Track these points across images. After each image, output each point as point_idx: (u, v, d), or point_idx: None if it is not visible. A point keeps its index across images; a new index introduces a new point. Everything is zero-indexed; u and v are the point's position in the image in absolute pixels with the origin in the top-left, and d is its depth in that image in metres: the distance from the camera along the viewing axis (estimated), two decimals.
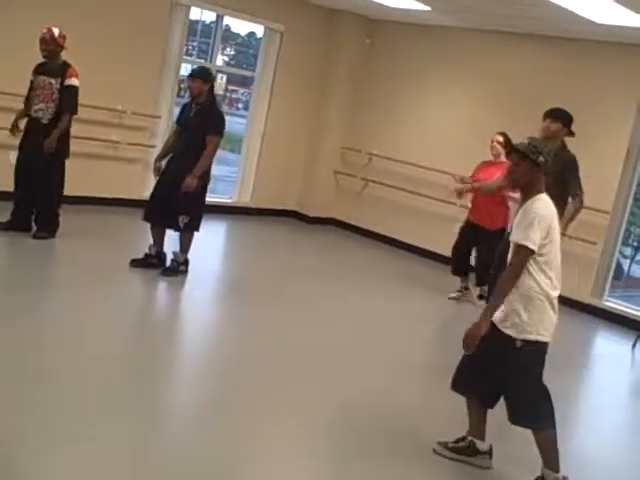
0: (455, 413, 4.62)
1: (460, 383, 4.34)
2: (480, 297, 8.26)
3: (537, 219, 3.93)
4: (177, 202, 6.94)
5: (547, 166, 4.07)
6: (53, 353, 4.98)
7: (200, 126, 6.90)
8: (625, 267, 11.25)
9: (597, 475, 4.76)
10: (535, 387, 4.12)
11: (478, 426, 4.37)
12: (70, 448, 3.74)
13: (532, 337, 3.98)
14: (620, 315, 8.80)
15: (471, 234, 7.99)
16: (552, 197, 5.35)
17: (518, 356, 4.02)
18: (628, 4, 6.89)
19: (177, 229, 7.10)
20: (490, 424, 4.38)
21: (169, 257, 7.25)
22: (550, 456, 4.14)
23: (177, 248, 7.22)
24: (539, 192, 4.05)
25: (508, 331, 4.01)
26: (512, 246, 4.03)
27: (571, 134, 6.16)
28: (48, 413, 4.05)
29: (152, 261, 7.20)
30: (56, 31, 7.26)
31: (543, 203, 4.02)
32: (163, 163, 7.21)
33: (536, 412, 4.13)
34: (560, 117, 6.09)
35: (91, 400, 4.32)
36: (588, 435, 5.58)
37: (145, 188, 9.15)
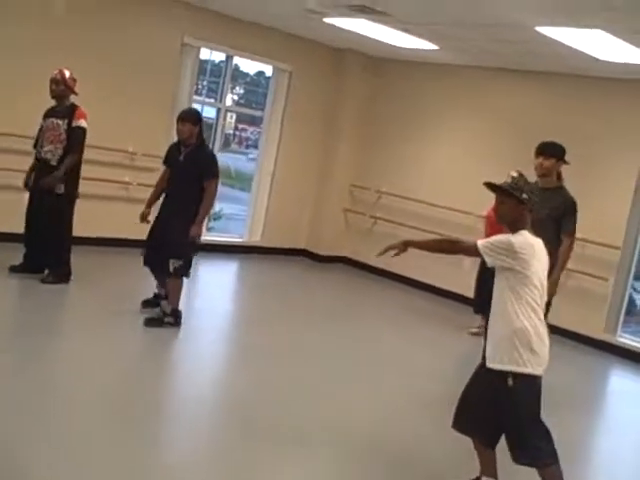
0: (467, 450, 4.60)
1: (460, 422, 4.35)
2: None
3: (504, 241, 4.04)
4: (169, 246, 6.74)
5: (532, 202, 4.15)
6: (51, 400, 4.94)
7: (191, 168, 6.74)
8: (638, 302, 11.18)
9: None
10: (534, 422, 4.11)
11: (488, 465, 4.34)
12: None
13: (524, 370, 4.01)
14: (635, 352, 8.72)
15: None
16: (546, 233, 5.47)
17: (511, 392, 4.04)
18: (631, 40, 6.94)
19: (167, 274, 6.82)
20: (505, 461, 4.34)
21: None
22: None
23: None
24: (522, 228, 4.14)
25: (498, 366, 4.06)
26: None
27: (565, 163, 6.18)
28: (52, 458, 4.04)
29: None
30: (67, 73, 7.33)
31: (521, 237, 4.08)
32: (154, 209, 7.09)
33: (538, 449, 4.10)
34: (553, 153, 6.11)
35: (90, 447, 4.29)
36: (602, 474, 5.49)
37: None
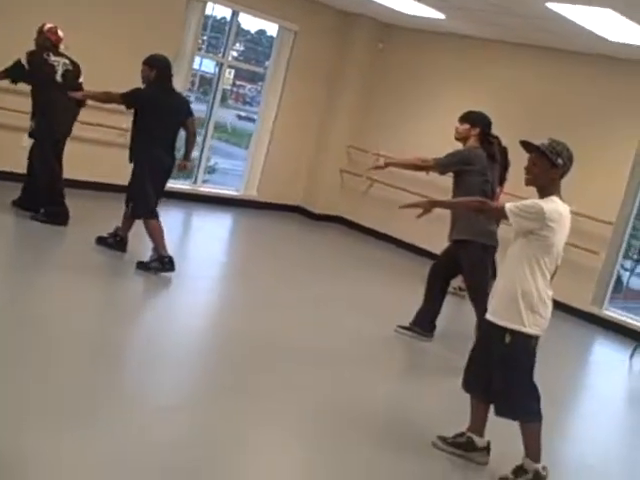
0: (451, 409, 4.80)
1: (468, 382, 4.47)
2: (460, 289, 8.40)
3: (534, 207, 4.03)
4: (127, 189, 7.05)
5: (566, 169, 4.10)
6: (37, 341, 4.87)
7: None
8: (624, 279, 11.37)
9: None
10: (525, 380, 4.24)
11: (478, 423, 4.48)
12: (51, 433, 3.74)
13: (522, 329, 4.12)
14: (619, 324, 8.94)
15: None
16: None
17: (507, 348, 4.16)
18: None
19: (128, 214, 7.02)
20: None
21: (148, 253, 6.95)
22: (533, 447, 4.26)
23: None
24: (552, 194, 4.11)
25: (498, 321, 4.18)
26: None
27: (488, 136, 6.39)
28: (39, 400, 4.05)
29: (109, 240, 7.14)
30: (48, 25, 7.48)
31: (552, 204, 4.06)
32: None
33: (525, 405, 4.25)
34: (468, 119, 6.38)
35: (71, 384, 4.33)
36: (583, 441, 5.69)
37: None
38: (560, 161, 4.07)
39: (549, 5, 7.26)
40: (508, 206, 4.12)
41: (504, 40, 10.03)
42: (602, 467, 5.08)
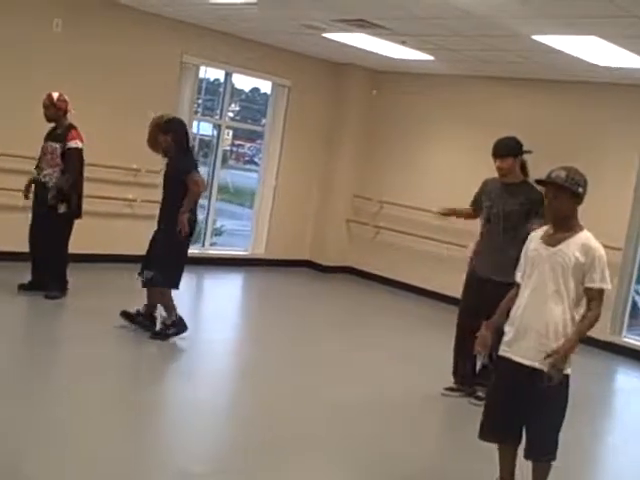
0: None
1: (490, 431, 4.28)
2: None
3: (604, 259, 3.99)
4: (148, 257, 6.80)
5: (583, 197, 4.03)
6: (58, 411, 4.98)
7: (171, 175, 6.71)
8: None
9: None
10: (562, 419, 4.13)
11: (510, 468, 4.31)
12: None
13: (568, 371, 4.04)
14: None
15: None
16: (511, 224, 5.74)
17: (559, 390, 4.04)
18: (629, 46, 7.04)
19: (142, 284, 6.79)
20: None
21: (158, 320, 6.88)
22: None
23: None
24: (578, 225, 4.06)
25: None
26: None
27: (525, 153, 6.02)
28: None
29: (139, 320, 6.88)
30: (55, 95, 7.40)
31: (594, 240, 4.02)
32: None
33: (556, 444, 4.13)
34: (508, 152, 5.95)
35: (98, 452, 4.31)
36: (610, 469, 5.58)
37: None
38: (581, 189, 4.00)
39: (535, 38, 7.31)
40: (606, 286, 4.01)
41: (497, 76, 10.08)
42: None
